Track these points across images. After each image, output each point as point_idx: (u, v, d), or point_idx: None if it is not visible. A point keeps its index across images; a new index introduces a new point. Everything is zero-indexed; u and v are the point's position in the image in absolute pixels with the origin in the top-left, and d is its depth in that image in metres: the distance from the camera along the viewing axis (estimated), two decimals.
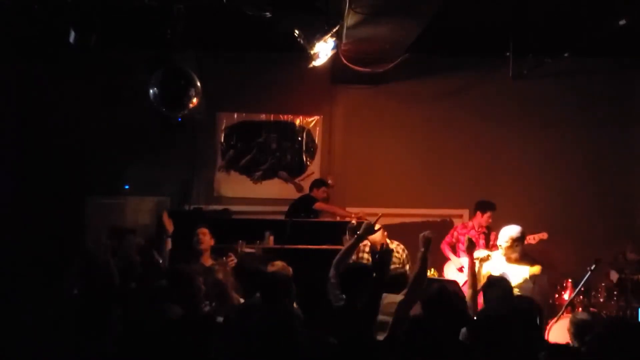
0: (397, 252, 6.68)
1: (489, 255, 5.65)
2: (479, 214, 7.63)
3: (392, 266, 6.56)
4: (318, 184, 8.20)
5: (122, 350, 3.73)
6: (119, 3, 6.46)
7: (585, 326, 4.05)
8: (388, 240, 6.73)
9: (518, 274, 5.49)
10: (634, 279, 7.03)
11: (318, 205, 7.98)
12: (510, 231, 5.53)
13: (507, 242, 5.50)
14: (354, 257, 6.72)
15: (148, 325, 3.96)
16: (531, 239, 6.42)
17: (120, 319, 4.00)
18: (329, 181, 8.49)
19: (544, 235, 6.94)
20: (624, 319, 5.90)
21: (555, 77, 8.65)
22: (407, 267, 6.44)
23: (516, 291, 5.37)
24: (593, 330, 3.65)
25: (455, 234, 7.64)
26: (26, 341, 3.99)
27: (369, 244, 6.75)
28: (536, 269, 5.52)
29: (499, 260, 5.58)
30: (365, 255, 6.77)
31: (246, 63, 8.64)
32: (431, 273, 6.21)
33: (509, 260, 5.55)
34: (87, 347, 3.69)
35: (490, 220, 7.52)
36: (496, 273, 5.43)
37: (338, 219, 7.92)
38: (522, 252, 5.57)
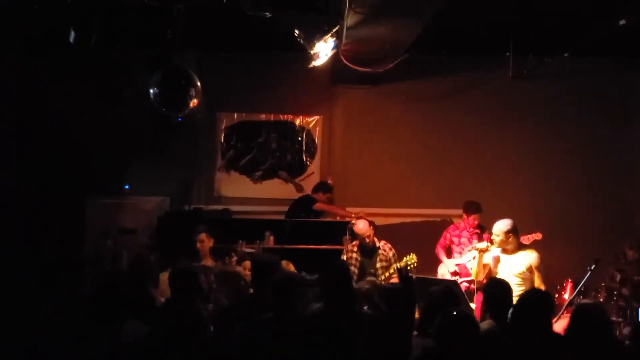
0: (384, 251, 6.73)
1: (488, 246, 5.90)
2: (465, 216, 7.56)
3: (379, 264, 6.65)
4: (324, 188, 8.17)
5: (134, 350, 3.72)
6: (119, 3, 6.46)
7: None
8: (375, 239, 6.75)
9: (517, 265, 5.71)
10: (634, 278, 7.02)
11: (318, 206, 7.98)
12: (501, 226, 5.76)
13: (499, 236, 5.74)
14: (343, 257, 6.79)
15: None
16: (525, 240, 6.41)
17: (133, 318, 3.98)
18: (329, 181, 8.50)
19: (538, 236, 6.87)
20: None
21: (555, 77, 8.65)
22: (394, 266, 6.49)
23: (518, 280, 5.59)
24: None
25: (448, 235, 7.57)
26: (26, 342, 3.98)
27: (358, 242, 6.77)
28: (532, 259, 5.70)
29: (497, 251, 5.82)
30: (354, 255, 6.77)
31: (246, 63, 8.64)
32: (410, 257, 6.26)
33: (505, 252, 5.80)
34: (93, 347, 3.67)
35: (477, 222, 7.45)
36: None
37: (338, 219, 7.93)
38: (517, 244, 5.79)
